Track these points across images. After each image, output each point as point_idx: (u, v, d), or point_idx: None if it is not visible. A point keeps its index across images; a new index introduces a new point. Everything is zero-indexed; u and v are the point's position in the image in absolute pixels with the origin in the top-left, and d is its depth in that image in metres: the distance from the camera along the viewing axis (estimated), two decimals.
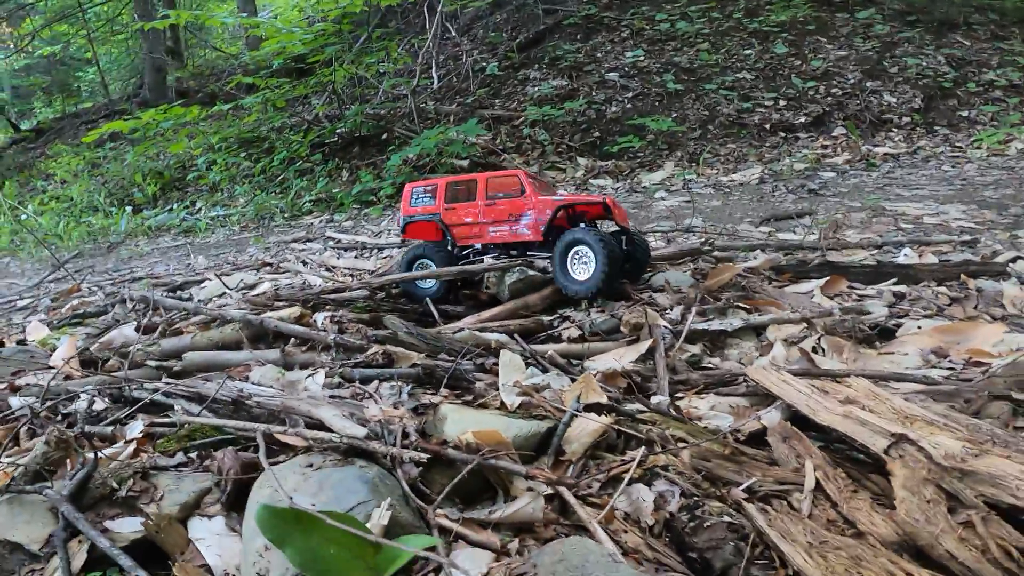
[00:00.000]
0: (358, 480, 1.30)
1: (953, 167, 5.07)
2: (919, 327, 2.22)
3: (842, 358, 2.11)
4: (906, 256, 3.00)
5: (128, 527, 1.27)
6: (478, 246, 2.76)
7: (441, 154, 5.12)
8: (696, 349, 2.20)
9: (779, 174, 5.35)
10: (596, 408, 1.78)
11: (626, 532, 1.37)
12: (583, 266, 2.46)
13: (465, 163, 5.22)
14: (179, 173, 6.36)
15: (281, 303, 2.31)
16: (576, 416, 1.72)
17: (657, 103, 6.77)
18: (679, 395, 2.05)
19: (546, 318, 2.45)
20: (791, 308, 2.44)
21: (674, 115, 6.61)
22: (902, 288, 2.58)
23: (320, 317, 2.17)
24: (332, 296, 2.45)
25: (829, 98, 6.99)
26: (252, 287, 2.76)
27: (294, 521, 1.09)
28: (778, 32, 8.55)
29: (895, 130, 6.31)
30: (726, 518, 1.38)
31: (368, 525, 1.18)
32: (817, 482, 1.46)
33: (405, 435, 1.58)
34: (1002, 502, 1.27)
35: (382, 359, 1.98)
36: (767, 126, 6.52)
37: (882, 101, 6.79)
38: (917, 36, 8.27)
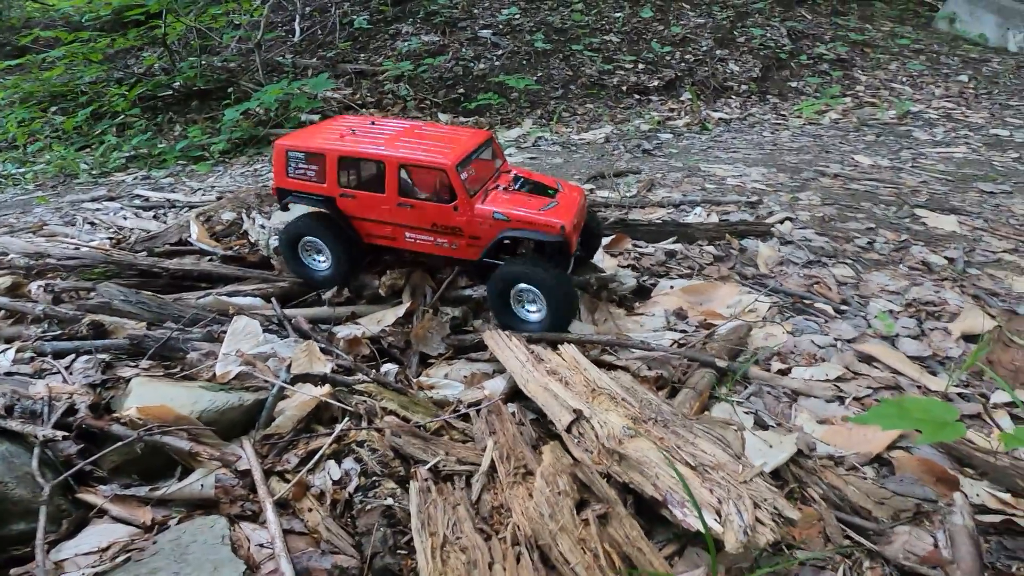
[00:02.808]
0: None
1: (772, 133, 5.17)
2: (671, 287, 2.16)
3: (593, 318, 2.01)
4: (696, 215, 2.97)
5: None
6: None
7: (287, 108, 4.60)
8: (458, 312, 2.03)
9: (624, 134, 5.25)
10: (314, 379, 1.59)
11: (311, 511, 1.23)
12: (531, 305, 1.85)
13: (316, 117, 4.73)
14: None
15: (3, 271, 1.92)
16: (286, 388, 1.53)
17: (525, 62, 6.46)
18: (431, 361, 1.89)
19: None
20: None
21: (539, 74, 6.34)
22: (677, 246, 2.52)
23: (34, 286, 1.80)
24: (70, 263, 2.07)
25: (683, 64, 6.93)
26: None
27: None
28: None
29: (734, 97, 6.37)
30: (388, 501, 1.24)
31: None
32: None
33: (73, 411, 1.35)
34: (645, 492, 1.18)
35: (88, 330, 1.67)
36: (624, 88, 6.40)
37: (727, 69, 6.81)
38: (767, 7, 8.32)
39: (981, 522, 1.21)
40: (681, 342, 1.87)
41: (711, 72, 6.84)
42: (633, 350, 1.76)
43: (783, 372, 1.74)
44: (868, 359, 1.80)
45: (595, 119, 5.79)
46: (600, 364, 1.76)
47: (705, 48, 7.37)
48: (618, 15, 7.83)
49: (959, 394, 1.64)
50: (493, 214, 1.79)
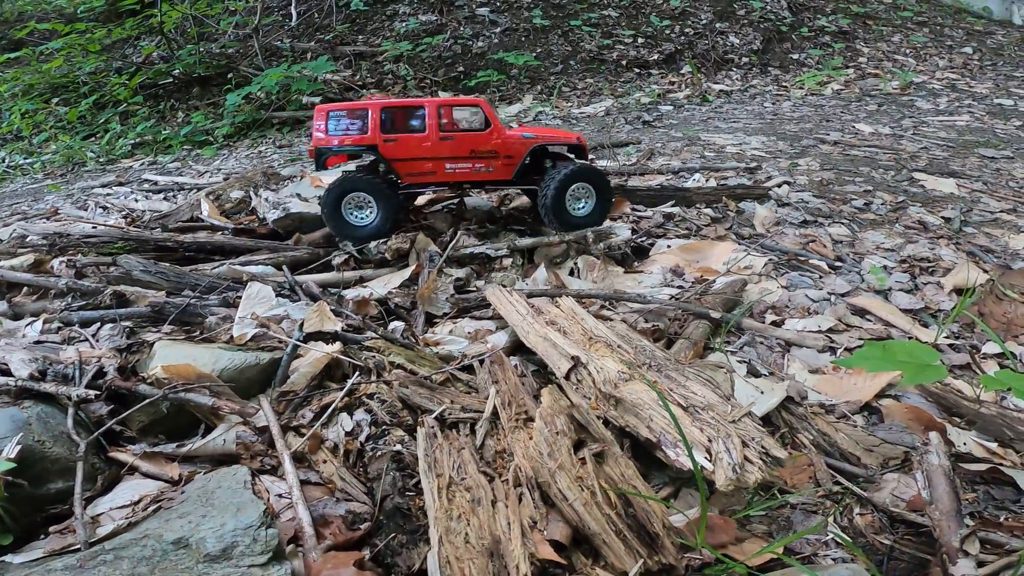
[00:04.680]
0: (8, 420, 1.18)
1: (773, 104, 5.10)
2: (668, 246, 2.16)
3: (592, 276, 2.02)
4: (695, 181, 2.95)
5: None
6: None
7: (288, 91, 4.58)
8: (462, 273, 2.05)
9: (625, 107, 5.20)
10: (326, 337, 1.63)
11: (325, 462, 1.27)
12: (579, 202, 2.15)
13: (317, 99, 4.71)
14: None
15: (25, 250, 1.95)
16: (300, 346, 1.57)
17: (524, 38, 6.39)
18: (436, 320, 1.91)
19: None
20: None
21: (539, 50, 6.27)
22: (675, 209, 2.51)
23: (56, 262, 1.84)
24: (90, 240, 2.11)
25: (682, 37, 6.82)
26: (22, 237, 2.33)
27: None
28: None
29: (735, 69, 6.28)
30: (398, 447, 1.28)
31: None
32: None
33: (102, 374, 1.39)
34: (640, 434, 1.20)
35: (112, 300, 1.71)
36: (624, 62, 6.32)
37: (727, 42, 6.71)
38: None
39: (968, 471, 1.21)
40: (677, 297, 1.88)
41: (711, 45, 6.73)
42: (630, 304, 1.77)
43: (777, 324, 1.75)
44: (861, 312, 1.80)
45: (595, 93, 5.73)
46: (600, 318, 1.78)
47: (705, 21, 7.25)
48: None
49: (950, 345, 1.64)
50: (522, 135, 2.14)
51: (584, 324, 1.54)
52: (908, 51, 6.47)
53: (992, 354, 1.62)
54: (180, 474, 1.22)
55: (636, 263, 2.15)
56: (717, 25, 7.09)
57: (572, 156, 2.24)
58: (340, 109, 2.10)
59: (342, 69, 5.38)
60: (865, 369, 1.18)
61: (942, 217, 2.49)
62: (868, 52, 6.45)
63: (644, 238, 2.24)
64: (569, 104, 5.37)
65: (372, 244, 2.12)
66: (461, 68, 5.72)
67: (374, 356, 1.56)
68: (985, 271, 2.01)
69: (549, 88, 5.75)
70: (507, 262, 2.07)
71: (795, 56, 6.51)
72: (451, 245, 2.07)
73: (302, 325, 1.61)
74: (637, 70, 6.27)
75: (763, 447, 1.11)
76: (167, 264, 1.99)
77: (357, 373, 1.49)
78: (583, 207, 2.14)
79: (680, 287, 1.95)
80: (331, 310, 1.74)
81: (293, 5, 5.71)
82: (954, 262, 2.07)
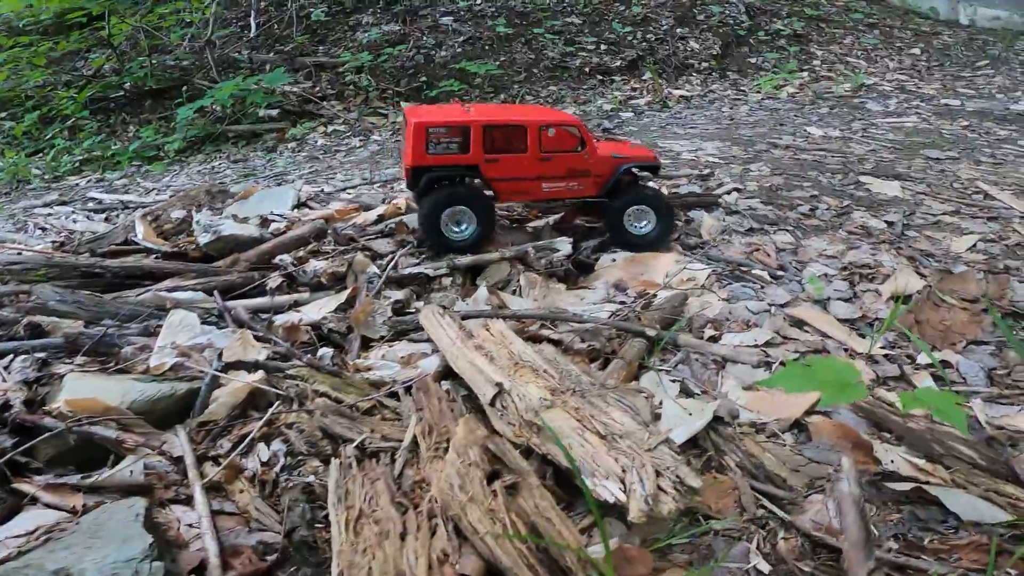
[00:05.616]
0: None
1: (731, 109, 5.12)
2: (614, 260, 2.12)
3: (534, 294, 1.96)
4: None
5: None
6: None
7: (244, 103, 4.47)
8: (401, 295, 1.98)
9: (587, 114, 5.18)
10: (247, 366, 1.57)
11: (242, 492, 1.24)
12: (639, 222, 2.22)
13: (274, 112, 4.61)
14: None
15: None
16: (218, 376, 1.51)
17: (487, 47, 6.34)
18: (373, 344, 1.85)
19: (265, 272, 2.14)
20: (510, 245, 2.26)
21: (502, 59, 6.23)
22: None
23: None
24: (13, 267, 2.00)
25: (644, 43, 6.84)
26: None
27: None
28: None
29: (695, 74, 6.31)
30: (310, 479, 1.25)
31: None
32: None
33: (7, 407, 1.36)
34: (561, 463, 1.15)
35: (26, 331, 1.63)
36: (587, 69, 6.31)
37: (687, 47, 6.74)
38: None
39: (893, 491, 1.18)
40: (619, 314, 1.84)
41: (672, 51, 6.76)
42: (569, 324, 1.72)
43: (714, 339, 1.71)
44: (799, 323, 1.77)
45: (558, 101, 5.71)
46: (538, 339, 1.73)
47: (666, 27, 7.28)
48: None
49: (885, 355, 1.62)
50: (612, 155, 2.18)
51: (512, 348, 1.48)
52: (859, 53, 6.56)
53: (926, 364, 1.60)
54: (84, 504, 1.18)
55: (581, 278, 2.10)
56: (678, 31, 7.13)
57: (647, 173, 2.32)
58: (439, 125, 2.03)
59: (302, 80, 5.27)
60: (785, 390, 1.14)
61: (885, 221, 2.48)
62: (822, 55, 6.53)
63: (589, 252, 2.19)
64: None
65: (308, 267, 2.06)
66: (424, 78, 5.65)
67: (297, 385, 1.51)
68: (924, 277, 2.00)
69: (512, 97, 5.71)
70: (447, 281, 2.01)
71: (753, 60, 6.56)
72: (389, 266, 2.00)
73: (221, 354, 1.55)
74: (600, 77, 6.26)
75: (678, 476, 1.07)
76: (86, 292, 1.91)
77: (277, 402, 1.44)
78: (643, 226, 2.21)
79: (622, 303, 1.91)
80: (257, 337, 1.69)
81: (253, 16, 5.59)
82: (894, 268, 2.06)
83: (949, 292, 1.87)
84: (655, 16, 7.42)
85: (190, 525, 1.13)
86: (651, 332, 1.65)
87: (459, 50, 6.09)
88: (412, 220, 2.33)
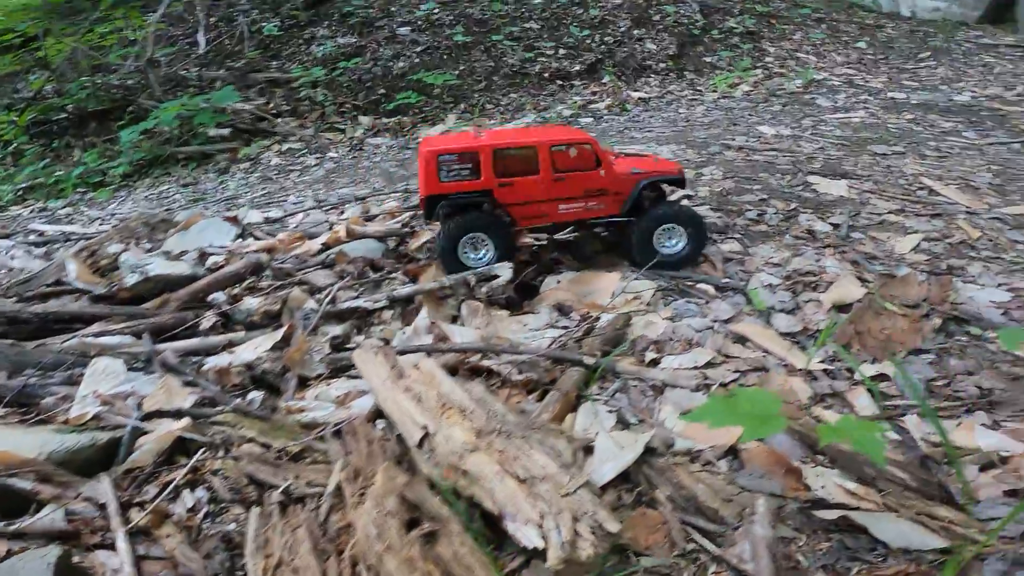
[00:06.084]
0: None
1: (687, 109, 5.13)
2: (559, 281, 2.07)
3: (476, 323, 1.91)
4: None
5: None
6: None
7: (192, 123, 4.34)
8: (340, 330, 1.91)
9: (547, 121, 5.14)
10: (172, 414, 1.54)
11: (169, 537, 1.24)
12: (670, 240, 2.13)
13: (226, 131, 4.49)
14: None
15: None
16: (139, 426, 1.48)
17: (446, 56, 6.27)
18: (310, 383, 1.78)
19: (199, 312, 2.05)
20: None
21: (461, 67, 6.16)
22: (574, 235, 2.43)
23: None
24: None
25: (602, 46, 6.83)
26: None
27: None
28: None
29: (653, 75, 6.31)
30: (232, 526, 1.23)
31: None
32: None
33: None
34: (485, 506, 1.11)
35: None
36: (546, 75, 6.27)
37: (644, 48, 6.75)
38: None
39: (823, 519, 1.15)
40: (561, 339, 1.80)
41: (630, 52, 6.76)
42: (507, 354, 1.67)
43: (655, 362, 1.67)
44: (742, 339, 1.75)
45: (518, 108, 5.66)
46: (478, 370, 1.69)
47: (623, 29, 7.28)
48: (537, 1, 7.68)
49: (824, 370, 1.60)
50: (631, 170, 2.09)
51: (440, 389, 1.43)
52: (809, 48, 6.62)
53: (866, 376, 1.58)
54: (8, 550, 1.17)
55: (527, 301, 2.06)
56: (635, 32, 7.14)
57: (672, 187, 2.26)
58: (450, 152, 1.98)
59: (255, 97, 5.15)
60: (709, 425, 1.11)
61: (831, 223, 2.48)
62: (774, 51, 6.58)
63: (535, 275, 2.15)
64: (492, 121, 5.28)
65: (243, 307, 1.98)
66: (382, 90, 5.56)
67: (223, 431, 1.47)
68: (866, 282, 1.99)
69: (472, 105, 5.65)
70: (387, 314, 1.95)
71: (708, 59, 6.59)
72: (325, 301, 1.93)
73: (140, 404, 1.51)
74: (560, 82, 6.23)
75: (596, 521, 1.03)
76: (8, 342, 1.84)
77: (203, 449, 1.41)
78: (674, 244, 2.12)
79: (565, 328, 1.87)
80: (186, 381, 1.64)
81: (201, 32, 5.44)
82: (837, 274, 2.05)
83: (890, 298, 1.86)
84: (612, 18, 7.42)
85: (115, 571, 1.14)
86: (588, 361, 1.61)
87: (417, 60, 6.01)
88: (352, 249, 2.26)
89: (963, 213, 2.60)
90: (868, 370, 1.59)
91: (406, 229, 2.49)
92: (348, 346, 1.90)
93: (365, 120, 5.11)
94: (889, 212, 2.61)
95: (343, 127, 5.01)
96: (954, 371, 1.57)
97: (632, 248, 2.11)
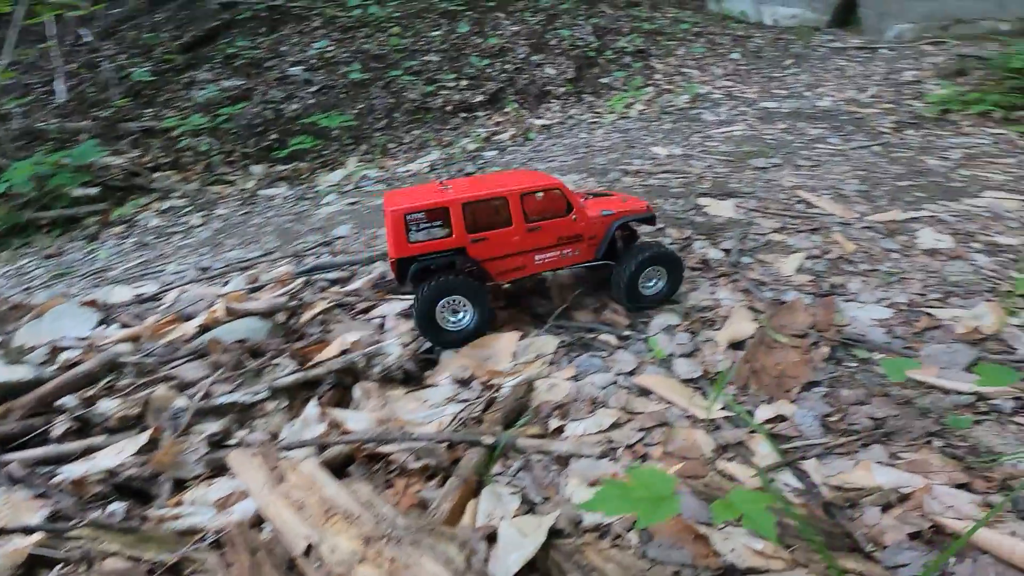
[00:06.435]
0: None
1: (588, 134, 5.23)
2: (457, 348, 1.96)
3: (370, 405, 1.77)
4: None
5: None
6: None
7: (49, 184, 3.90)
8: (217, 426, 1.71)
9: (452, 158, 5.07)
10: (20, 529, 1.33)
11: None
12: (650, 281, 2.10)
13: (93, 191, 4.08)
14: None
15: None
16: None
17: (343, 95, 6.09)
18: (187, 485, 1.59)
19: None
20: (353, 346, 2.05)
21: (360, 106, 6.00)
22: None
23: None
24: None
25: (503, 74, 6.91)
26: None
27: None
28: (464, 10, 8.27)
29: (554, 100, 6.43)
30: None
31: None
32: None
33: None
34: None
35: None
36: (449, 108, 6.24)
37: (544, 73, 6.88)
38: (573, 7, 8.55)
39: None
40: (462, 416, 1.69)
41: (530, 79, 6.88)
42: (393, 442, 1.54)
43: (559, 430, 1.60)
44: (646, 392, 1.72)
45: (422, 146, 5.57)
46: (376, 457, 1.56)
47: (522, 55, 7.42)
48: (436, 33, 7.68)
49: (727, 417, 1.59)
50: (602, 212, 2.04)
51: (323, 492, 1.29)
52: (692, 63, 7.01)
53: (767, 419, 1.58)
54: None
55: (427, 373, 1.93)
56: (533, 58, 7.28)
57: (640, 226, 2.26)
58: (417, 209, 1.84)
59: (127, 149, 4.73)
60: (605, 514, 1.04)
61: (723, 249, 2.54)
62: (662, 68, 6.90)
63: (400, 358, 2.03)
64: (395, 162, 5.15)
65: (98, 410, 1.74)
66: (275, 135, 5.30)
67: (80, 546, 1.29)
68: (757, 313, 2.03)
69: (375, 146, 5.49)
70: (270, 406, 1.77)
71: (604, 80, 6.81)
72: (196, 398, 1.72)
73: None
74: (463, 114, 6.21)
75: None
76: None
77: (60, 565, 1.27)
78: (654, 284, 2.10)
79: (466, 401, 1.76)
80: (37, 494, 1.48)
81: (59, 80, 4.95)
82: (731, 306, 2.08)
83: (780, 329, 1.90)
84: (511, 45, 7.54)
85: None
86: (487, 440, 1.51)
87: (312, 101, 5.79)
88: (230, 332, 2.06)
89: (837, 225, 2.73)
90: (766, 411, 1.59)
91: (294, 302, 2.31)
92: (229, 443, 1.71)
93: (257, 169, 4.83)
94: (773, 231, 2.70)
95: (233, 178, 4.71)
96: (846, 402, 1.61)
97: (618, 293, 2.08)
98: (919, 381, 1.64)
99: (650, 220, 2.16)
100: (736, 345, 1.86)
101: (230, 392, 1.78)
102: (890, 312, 1.99)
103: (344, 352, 1.93)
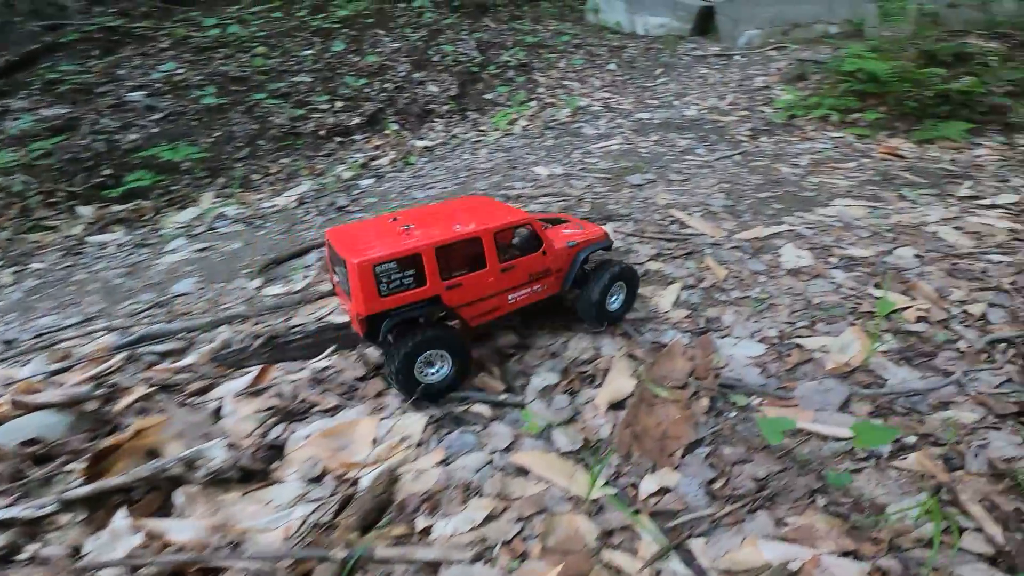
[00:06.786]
0: None
1: (471, 155, 5.06)
2: (308, 435, 1.68)
3: (198, 513, 1.44)
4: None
5: None
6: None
7: None
8: (2, 540, 1.32)
9: (325, 188, 4.69)
10: None
11: None
12: (613, 297, 2.11)
13: None
14: None
15: None
16: None
17: (195, 123, 5.48)
18: None
19: None
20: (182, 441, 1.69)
21: (217, 134, 5.43)
22: (332, 360, 2.06)
23: None
24: None
25: (383, 94, 6.58)
26: None
27: None
28: (339, 28, 7.83)
29: (437, 119, 6.22)
30: None
31: None
32: None
33: None
34: None
35: None
36: (322, 132, 5.82)
37: (426, 91, 6.65)
38: (457, 22, 8.41)
39: None
40: (312, 519, 1.42)
41: (412, 98, 6.61)
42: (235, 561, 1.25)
43: (426, 531, 1.39)
44: (525, 471, 1.54)
45: (292, 176, 5.12)
46: (207, 572, 1.26)
47: (403, 73, 7.13)
48: (307, 53, 7.19)
49: (613, 495, 1.45)
50: (568, 244, 2.00)
51: None
52: (572, 75, 7.11)
53: (653, 492, 1.46)
54: None
55: (275, 463, 1.64)
56: (415, 76, 7.02)
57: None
58: (386, 259, 1.60)
59: None
60: None
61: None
62: (544, 82, 6.92)
63: (279, 427, 1.74)
64: (259, 196, 4.67)
65: None
66: (108, 170, 4.62)
67: None
68: (638, 362, 1.93)
69: (235, 178, 4.97)
70: (64, 519, 1.40)
71: (488, 96, 6.71)
72: None
73: None
74: (339, 139, 5.82)
75: None
76: None
77: None
78: (614, 301, 2.11)
79: (319, 499, 1.49)
80: None
81: None
82: (611, 356, 1.97)
83: (660, 380, 1.81)
84: (391, 63, 7.23)
85: None
86: (339, 553, 1.26)
87: (156, 130, 5.14)
88: (16, 430, 1.63)
89: (709, 247, 2.72)
90: (650, 483, 1.47)
91: (104, 389, 1.90)
92: (17, 558, 1.33)
93: (86, 211, 4.17)
94: (650, 259, 2.63)
95: (55, 223, 4.03)
96: (729, 461, 1.53)
97: (588, 316, 2.07)
98: (797, 429, 1.60)
99: (608, 247, 2.16)
100: (617, 405, 1.73)
101: (6, 507, 1.38)
102: (763, 348, 1.97)
103: (153, 457, 1.59)
